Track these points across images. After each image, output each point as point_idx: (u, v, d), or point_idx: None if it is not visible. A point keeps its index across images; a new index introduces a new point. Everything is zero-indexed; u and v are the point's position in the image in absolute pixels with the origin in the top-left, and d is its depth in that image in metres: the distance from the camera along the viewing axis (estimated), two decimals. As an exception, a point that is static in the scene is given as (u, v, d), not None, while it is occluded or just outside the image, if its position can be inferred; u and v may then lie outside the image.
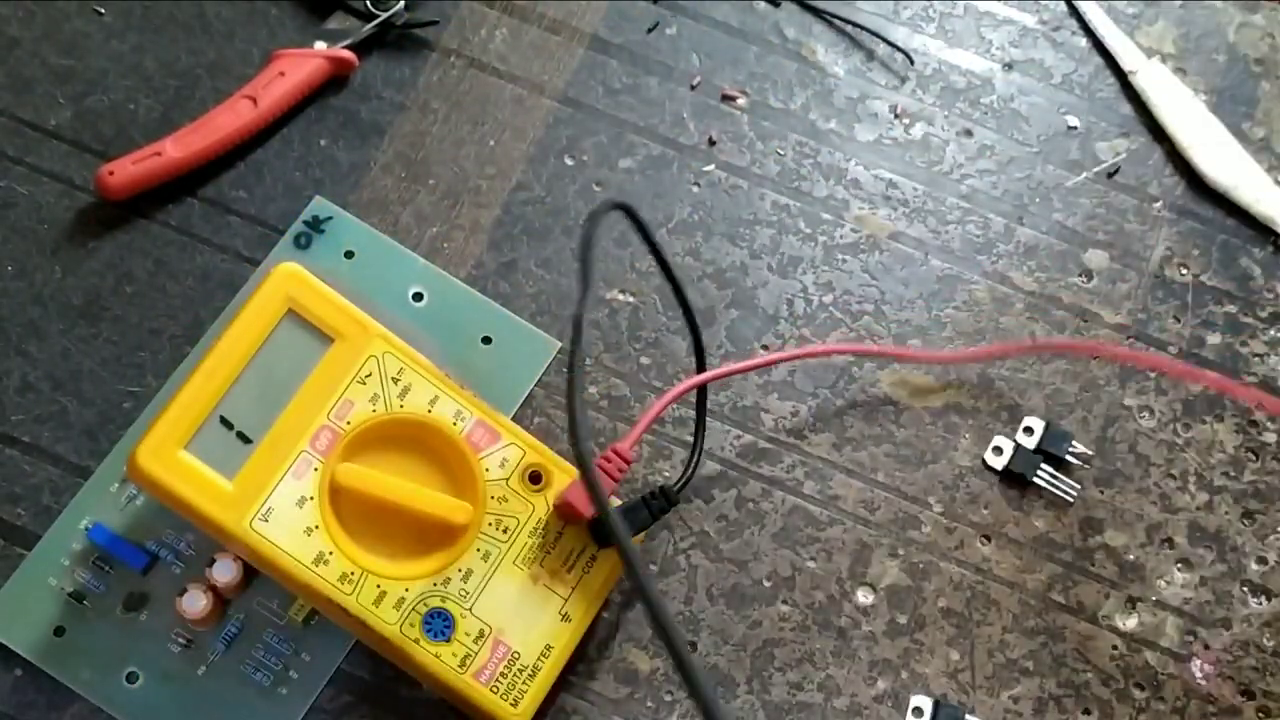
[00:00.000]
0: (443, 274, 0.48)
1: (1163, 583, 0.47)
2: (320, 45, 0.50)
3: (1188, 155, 0.52)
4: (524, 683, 0.41)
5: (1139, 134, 0.53)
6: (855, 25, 0.54)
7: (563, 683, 0.43)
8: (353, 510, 0.41)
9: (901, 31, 0.54)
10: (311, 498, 0.40)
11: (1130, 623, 0.46)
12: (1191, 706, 0.45)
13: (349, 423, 0.41)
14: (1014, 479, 0.47)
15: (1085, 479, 0.48)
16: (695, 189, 0.51)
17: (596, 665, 0.44)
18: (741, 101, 0.52)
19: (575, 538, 0.42)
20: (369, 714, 0.43)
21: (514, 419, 0.45)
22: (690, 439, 0.47)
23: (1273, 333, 0.50)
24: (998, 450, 0.48)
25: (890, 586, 0.46)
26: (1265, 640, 0.46)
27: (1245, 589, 0.47)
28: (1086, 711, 0.45)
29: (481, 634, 0.41)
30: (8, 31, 0.50)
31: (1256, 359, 0.50)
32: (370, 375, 0.41)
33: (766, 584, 0.45)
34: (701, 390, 0.45)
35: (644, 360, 0.48)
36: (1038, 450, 0.48)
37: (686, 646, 0.32)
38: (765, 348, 0.48)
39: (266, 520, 0.40)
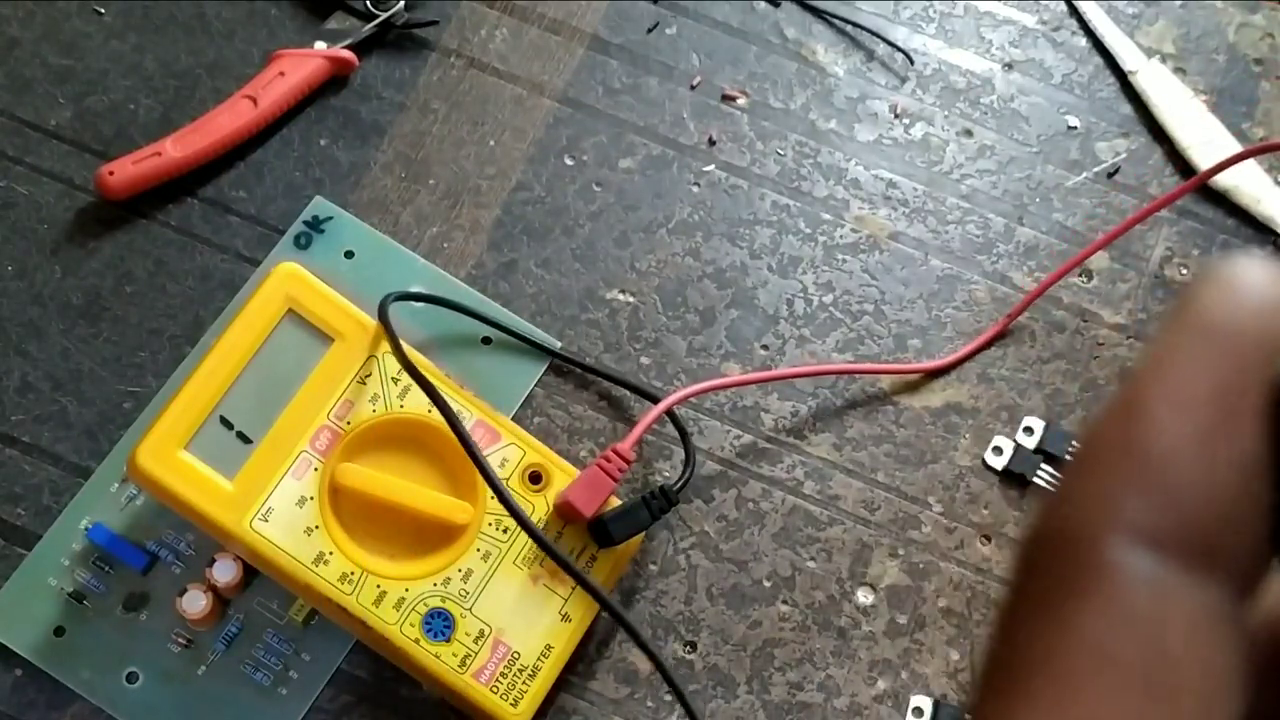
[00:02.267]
0: (443, 274, 0.48)
1: (1163, 583, 0.46)
2: (320, 45, 0.50)
3: (1188, 155, 0.52)
4: (524, 683, 0.41)
5: (1139, 134, 0.53)
6: (855, 25, 0.54)
7: (563, 683, 0.43)
8: (353, 510, 0.41)
9: (901, 31, 0.54)
10: (311, 498, 0.40)
11: (1130, 623, 0.46)
12: (1191, 706, 0.45)
13: (349, 423, 0.41)
14: (1014, 479, 0.47)
15: (1085, 479, 0.47)
16: (695, 189, 0.51)
17: (596, 665, 0.44)
18: (741, 101, 0.52)
19: (575, 537, 0.42)
20: (369, 714, 0.43)
21: (514, 419, 0.45)
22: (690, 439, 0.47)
23: (1273, 333, 0.50)
24: (998, 450, 0.48)
25: (890, 586, 0.46)
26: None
27: (1245, 589, 0.47)
28: (1086, 711, 0.45)
29: (481, 634, 0.41)
30: (8, 31, 0.50)
31: (1256, 359, 0.50)
32: (370, 375, 0.41)
33: (766, 584, 0.45)
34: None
35: (644, 360, 0.48)
36: (1038, 450, 0.48)
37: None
38: (765, 348, 0.48)
39: (266, 520, 0.40)
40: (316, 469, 0.40)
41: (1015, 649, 0.16)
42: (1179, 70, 0.54)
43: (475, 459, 0.40)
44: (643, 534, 0.43)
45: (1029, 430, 0.48)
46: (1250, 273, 0.16)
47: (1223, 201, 0.52)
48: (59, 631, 0.42)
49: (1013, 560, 0.17)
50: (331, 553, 0.40)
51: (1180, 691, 0.15)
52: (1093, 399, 0.49)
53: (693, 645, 0.45)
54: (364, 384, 0.41)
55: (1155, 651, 0.15)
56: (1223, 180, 0.52)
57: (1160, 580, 0.15)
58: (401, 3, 0.51)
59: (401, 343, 0.42)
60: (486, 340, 0.47)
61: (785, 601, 0.45)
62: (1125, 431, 0.16)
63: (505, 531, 0.42)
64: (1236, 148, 0.52)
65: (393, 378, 0.42)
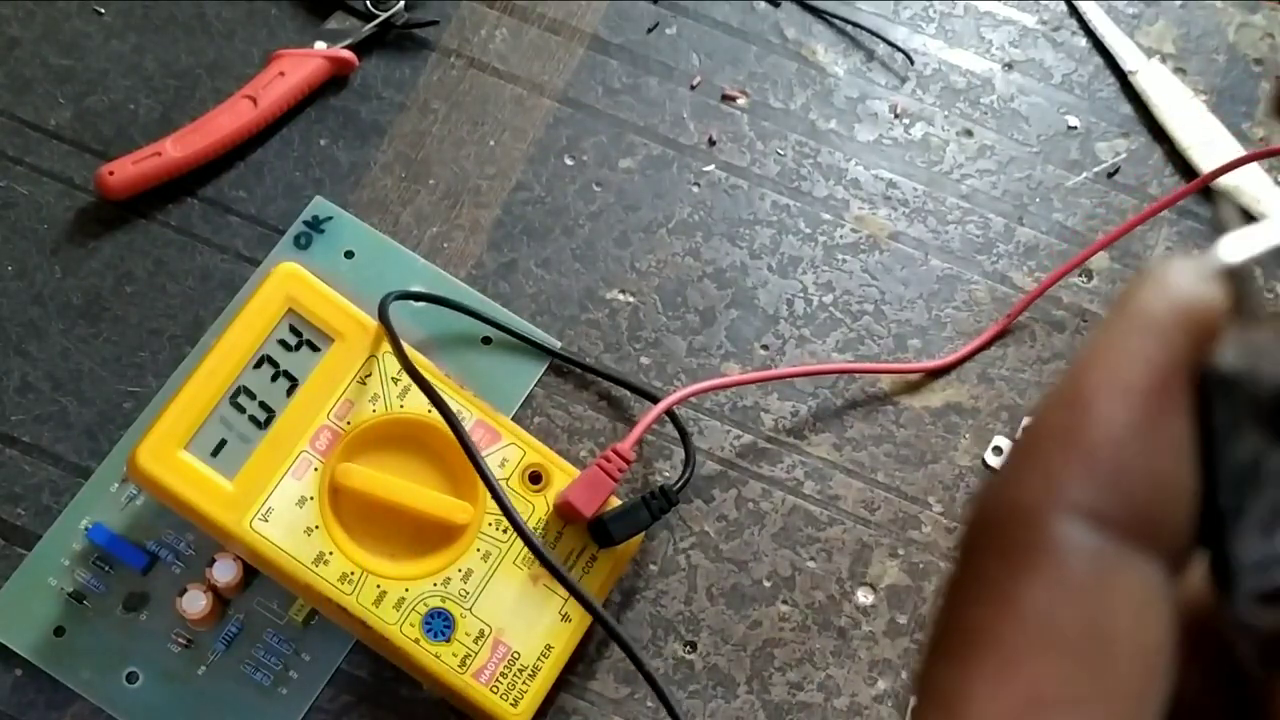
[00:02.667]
0: (443, 274, 0.48)
1: (1163, 583, 0.47)
2: (320, 45, 0.50)
3: (1188, 155, 0.52)
4: (524, 683, 0.41)
5: (1139, 134, 0.53)
6: (855, 25, 0.54)
7: (563, 683, 0.43)
8: (353, 510, 0.41)
9: (901, 31, 0.54)
10: (311, 498, 0.40)
11: (1130, 623, 0.46)
12: (1191, 706, 0.45)
13: (349, 423, 0.41)
14: (1014, 479, 0.47)
15: (1085, 479, 0.47)
16: (695, 189, 0.51)
17: (596, 665, 0.44)
18: (741, 101, 0.52)
19: (575, 538, 0.42)
20: (369, 714, 0.43)
21: (514, 419, 0.45)
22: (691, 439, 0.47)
23: (1273, 333, 0.50)
24: (998, 450, 0.48)
25: (890, 586, 0.46)
26: (1265, 640, 0.46)
27: (1245, 589, 0.47)
28: (1086, 711, 0.45)
29: (481, 634, 0.41)
30: (8, 31, 0.50)
31: (1256, 359, 0.50)
32: (370, 375, 0.41)
33: (766, 584, 0.45)
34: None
35: (644, 360, 0.48)
36: (1038, 450, 0.47)
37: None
38: (765, 348, 0.48)
39: (266, 520, 0.40)
40: (316, 469, 0.40)
41: (959, 622, 0.16)
42: (1179, 70, 0.54)
43: (472, 458, 0.40)
44: (643, 534, 0.43)
45: (1029, 430, 0.48)
46: (1184, 271, 0.17)
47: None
48: (59, 631, 0.42)
49: (958, 538, 0.17)
50: (331, 553, 0.40)
51: (1119, 664, 0.16)
52: (1093, 399, 0.49)
53: (693, 645, 0.45)
54: (364, 384, 0.41)
55: (1096, 625, 0.16)
56: (1223, 180, 0.52)
57: (1102, 556, 0.16)
58: (401, 3, 0.51)
59: (402, 343, 0.42)
60: (486, 340, 0.47)
61: (785, 601, 0.45)
62: (1067, 419, 0.16)
63: (505, 531, 0.42)
64: (1237, 148, 0.52)
65: (393, 378, 0.42)
